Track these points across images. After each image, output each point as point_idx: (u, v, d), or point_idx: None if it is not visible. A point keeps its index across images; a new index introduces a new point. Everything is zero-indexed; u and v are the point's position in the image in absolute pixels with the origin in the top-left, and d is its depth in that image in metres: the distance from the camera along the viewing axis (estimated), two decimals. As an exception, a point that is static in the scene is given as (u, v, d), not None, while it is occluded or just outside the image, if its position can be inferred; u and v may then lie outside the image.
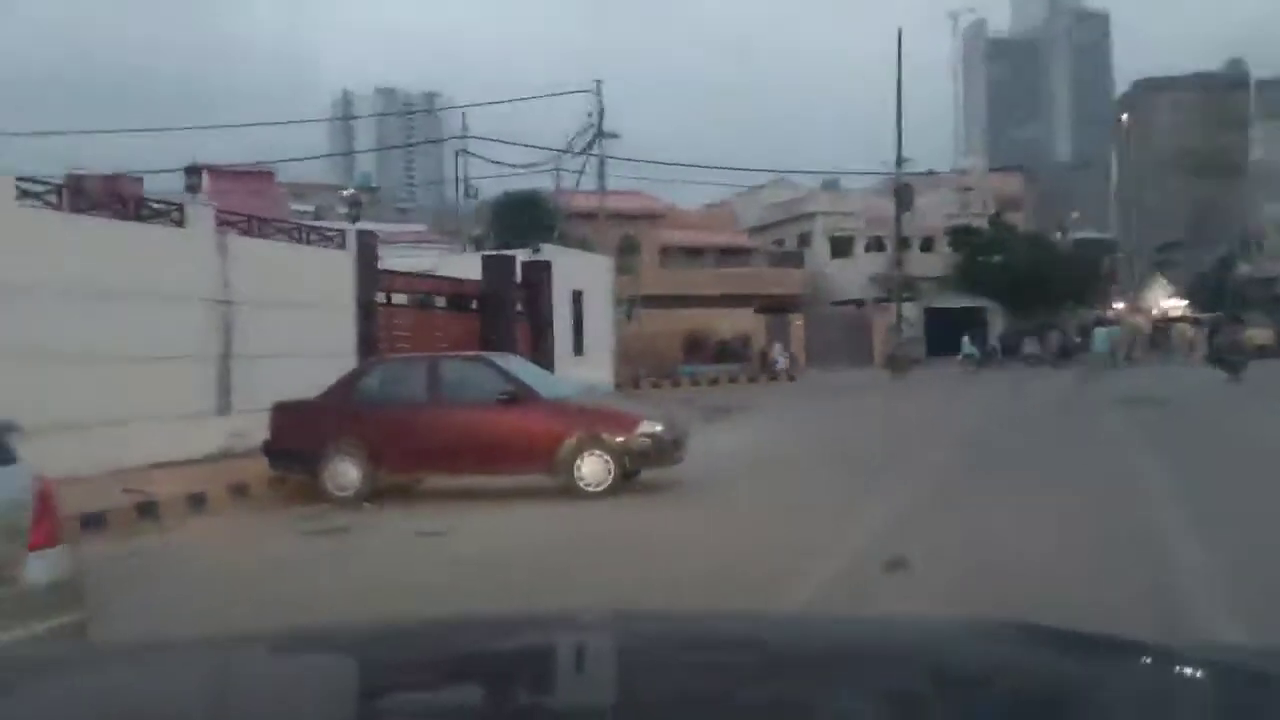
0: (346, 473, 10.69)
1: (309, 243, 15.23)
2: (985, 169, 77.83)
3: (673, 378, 34.82)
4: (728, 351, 41.13)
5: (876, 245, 50.10)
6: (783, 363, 38.55)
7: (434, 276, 19.36)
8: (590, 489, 10.34)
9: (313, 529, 9.50)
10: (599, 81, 28.32)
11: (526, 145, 40.03)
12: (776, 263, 52.36)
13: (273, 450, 11.03)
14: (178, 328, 12.33)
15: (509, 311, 19.94)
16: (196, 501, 10.22)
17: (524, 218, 38.72)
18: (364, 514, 10.19)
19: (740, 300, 45.34)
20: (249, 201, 24.89)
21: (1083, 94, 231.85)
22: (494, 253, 19.99)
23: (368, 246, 16.03)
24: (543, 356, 21.20)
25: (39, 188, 11.04)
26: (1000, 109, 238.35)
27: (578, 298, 22.96)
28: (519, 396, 10.60)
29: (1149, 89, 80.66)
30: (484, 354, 11.63)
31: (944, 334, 44.50)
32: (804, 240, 53.48)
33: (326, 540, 9.17)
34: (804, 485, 10.97)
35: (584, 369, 22.69)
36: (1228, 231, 60.00)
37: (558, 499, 10.33)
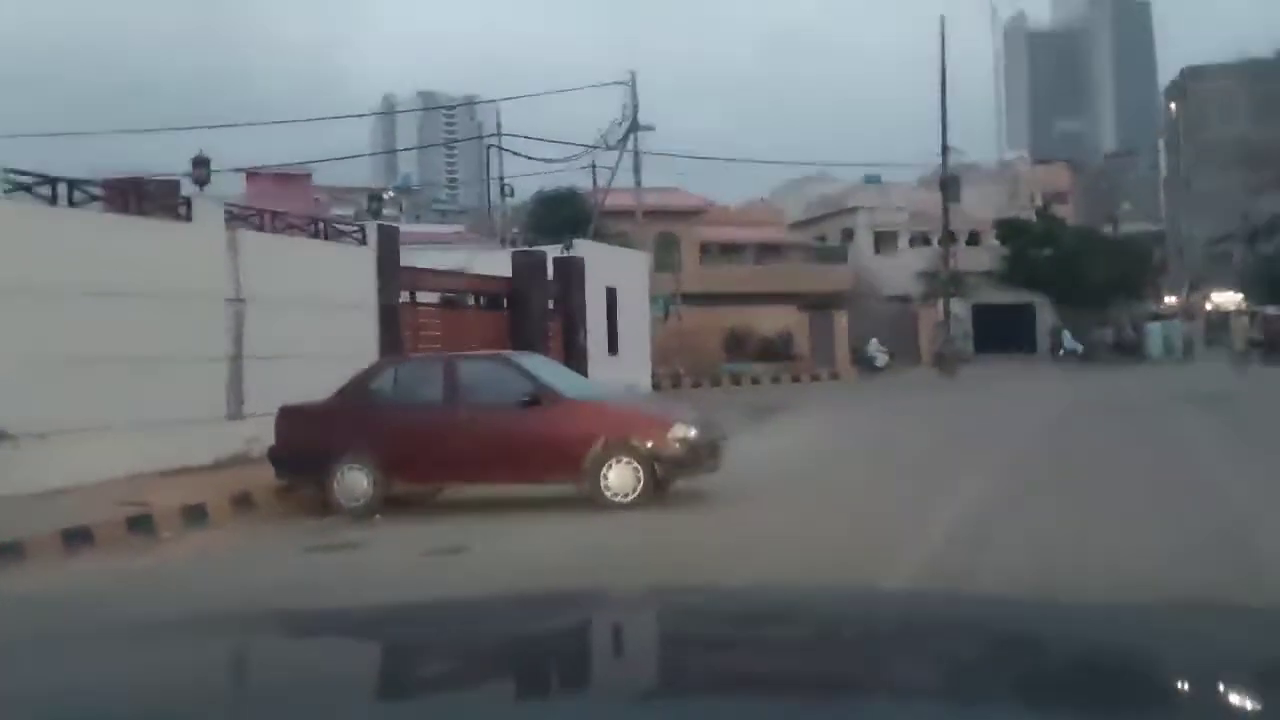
0: (357, 482, 9.92)
1: (327, 239, 14.52)
2: (1030, 162, 76.17)
3: (714, 377, 33.95)
4: (771, 349, 40.20)
5: (921, 240, 48.91)
6: (881, 359, 37.23)
7: (462, 274, 18.61)
8: (618, 499, 9.50)
9: (317, 545, 8.76)
10: (633, 73, 27.47)
11: (560, 142, 39.00)
12: (819, 259, 51.31)
13: (278, 458, 10.29)
14: (185, 327, 11.66)
15: (540, 310, 19.16)
16: (195, 514, 9.50)
17: (560, 215, 38.02)
18: (375, 528, 9.44)
19: (782, 297, 44.36)
20: (285, 203, 24.31)
21: (1126, 85, 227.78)
22: (524, 249, 19.19)
23: (390, 242, 15.30)
24: (575, 355, 20.43)
25: (29, 180, 10.38)
26: (1043, 102, 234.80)
27: (612, 295, 22.11)
28: (541, 398, 9.77)
29: (1197, 77, 78.29)
30: (504, 353, 10.79)
31: (992, 331, 43.24)
32: (847, 235, 52.36)
33: (330, 558, 8.42)
34: (851, 495, 10.04)
35: (619, 368, 21.87)
36: (1285, 222, 57.78)
37: (583, 510, 9.50)
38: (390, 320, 14.98)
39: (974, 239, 49.53)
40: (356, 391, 10.23)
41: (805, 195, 55.05)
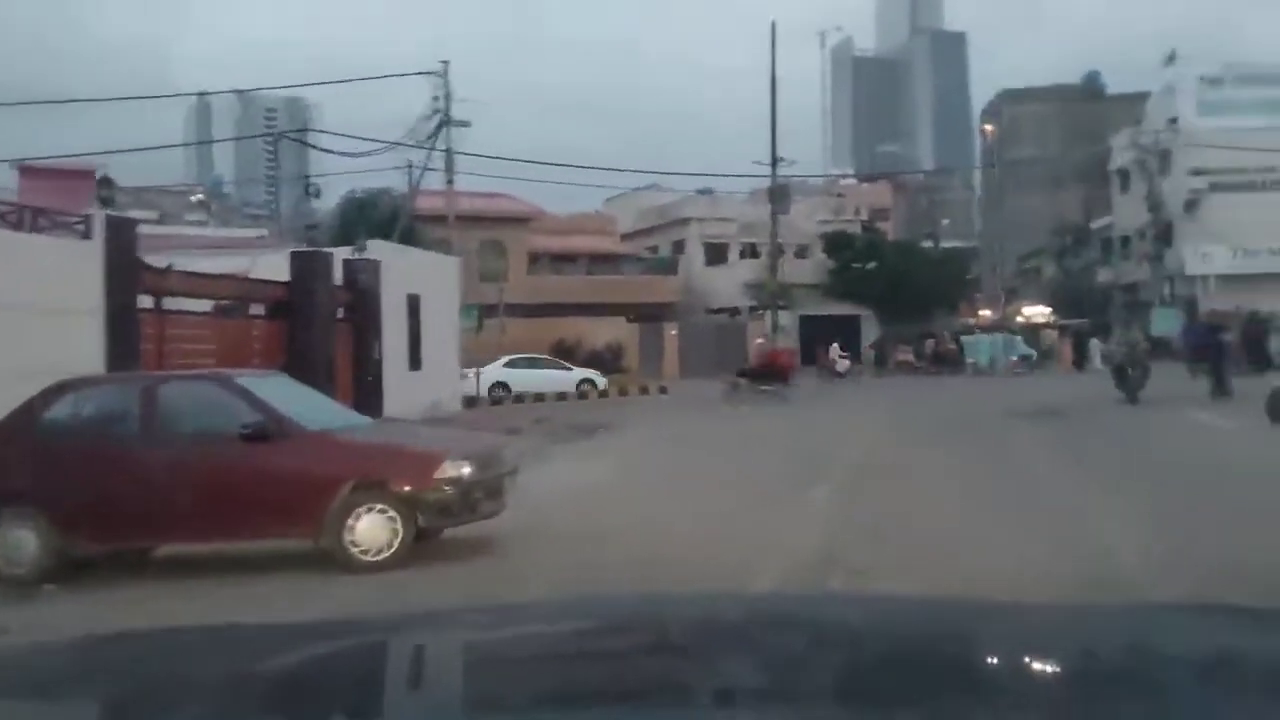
0: (20, 542, 7.54)
1: (37, 230, 11.89)
2: (856, 180, 77.85)
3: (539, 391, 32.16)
4: (599, 361, 38.73)
5: (751, 252, 48.52)
6: (843, 365, 36.97)
7: (222, 277, 16.12)
8: (368, 558, 7.48)
9: (-67, 635, 6.40)
10: (446, 63, 25.21)
11: (365, 138, 36.12)
12: (650, 270, 50.30)
13: (-86, 508, 7.78)
14: None
15: (325, 319, 16.84)
16: None
17: (372, 219, 35.40)
18: (40, 603, 7.13)
19: (613, 308, 43.13)
20: (63, 202, 21.27)
21: (942, 112, 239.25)
22: (305, 249, 16.84)
23: (123, 237, 12.73)
24: (368, 371, 18.25)
25: None
26: (865, 125, 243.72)
27: (415, 303, 19.88)
28: (270, 430, 7.63)
29: (1010, 100, 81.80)
30: (222, 372, 8.52)
31: (818, 341, 43.02)
32: (678, 247, 51.57)
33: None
34: (658, 538, 8.31)
35: (422, 385, 19.73)
36: (1089, 238, 60.59)
37: (323, 570, 7.46)
38: (124, 329, 12.44)
39: (802, 252, 49.54)
40: (22, 422, 7.82)
41: (638, 205, 54.02)
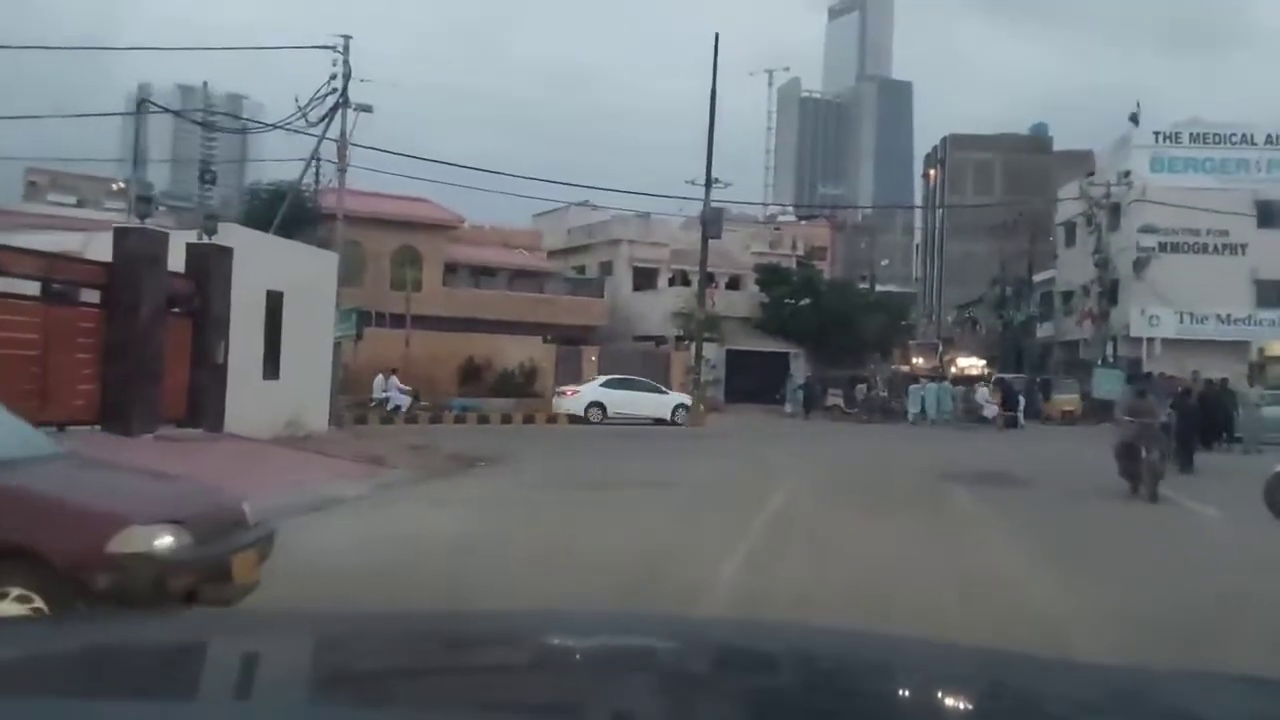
0: None
1: None
2: (795, 216, 76.48)
3: (435, 413, 29.49)
4: (510, 383, 36.10)
5: (682, 279, 46.28)
6: (991, 410, 34.32)
7: (29, 252, 13.28)
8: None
9: None
10: (347, 38, 22.40)
11: (255, 121, 33.02)
12: (575, 290, 47.83)
13: None
14: None
15: (152, 310, 14.01)
16: None
17: (283, 213, 32.55)
18: None
19: (533, 327, 40.58)
20: None
21: (886, 157, 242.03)
22: (134, 226, 14.04)
23: None
24: (209, 376, 15.40)
25: None
26: (808, 165, 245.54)
27: (277, 302, 17.02)
28: None
29: (956, 146, 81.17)
30: None
31: (745, 378, 40.98)
32: (606, 268, 49.15)
33: None
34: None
35: (280, 396, 16.92)
36: (1030, 291, 59.53)
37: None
38: None
39: (735, 283, 47.56)
40: None
41: (567, 223, 51.62)
